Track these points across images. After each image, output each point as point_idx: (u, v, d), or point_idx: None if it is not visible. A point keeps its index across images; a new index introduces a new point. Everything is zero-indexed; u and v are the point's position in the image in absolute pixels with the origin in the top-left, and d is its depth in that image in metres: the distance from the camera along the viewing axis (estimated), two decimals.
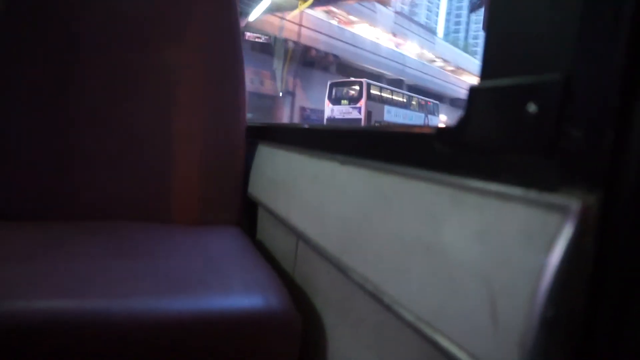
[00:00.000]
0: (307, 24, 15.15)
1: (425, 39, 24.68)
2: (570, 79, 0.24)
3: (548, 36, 0.26)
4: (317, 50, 15.96)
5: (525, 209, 0.25)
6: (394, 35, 21.38)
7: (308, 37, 15.23)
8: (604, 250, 0.22)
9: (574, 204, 0.23)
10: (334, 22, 17.29)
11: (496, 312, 0.25)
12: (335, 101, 12.91)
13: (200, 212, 0.87)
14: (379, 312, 0.41)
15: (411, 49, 22.69)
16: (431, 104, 17.01)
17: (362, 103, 12.40)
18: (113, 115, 0.85)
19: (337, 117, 12.69)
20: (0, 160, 0.79)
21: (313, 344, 0.56)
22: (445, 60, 26.58)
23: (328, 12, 17.04)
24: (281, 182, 0.72)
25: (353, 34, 18.14)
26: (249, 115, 1.10)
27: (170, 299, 0.48)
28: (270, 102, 14.54)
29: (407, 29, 22.95)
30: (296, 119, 15.09)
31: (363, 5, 17.80)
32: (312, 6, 13.98)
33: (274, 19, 13.78)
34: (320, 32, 16.00)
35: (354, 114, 12.36)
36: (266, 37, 13.61)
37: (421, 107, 16.12)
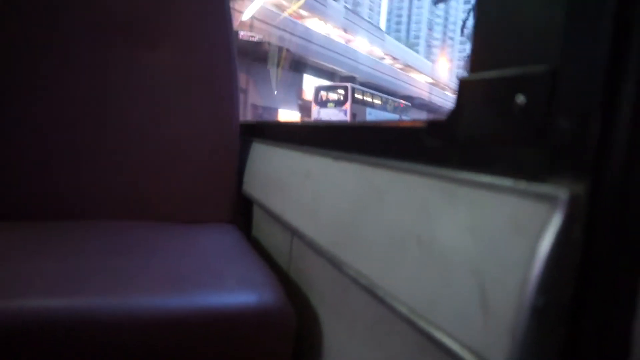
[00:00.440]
0: (257, 15, 14.09)
1: (376, 36, 24.47)
2: (557, 71, 0.25)
3: (535, 29, 0.27)
4: (270, 45, 14.94)
5: (514, 200, 0.26)
6: (345, 31, 20.92)
7: (259, 29, 14.18)
8: (591, 238, 0.23)
9: (562, 193, 0.23)
10: (285, 14, 16.33)
11: (487, 302, 0.25)
12: (322, 104, 13.95)
13: (194, 210, 0.87)
14: (373, 306, 0.41)
15: (361, 45, 22.35)
16: (403, 105, 18.81)
17: (347, 106, 13.52)
18: (106, 114, 0.84)
19: (323, 119, 13.39)
20: None
21: (308, 340, 0.57)
22: (394, 58, 26.60)
23: (278, 6, 16.08)
24: (275, 178, 0.73)
25: (307, 29, 17.32)
26: None
27: (164, 296, 0.48)
28: None
29: (358, 25, 22.59)
30: (249, 119, 14.01)
31: None
32: None
33: None
34: (272, 25, 14.97)
35: (340, 116, 13.32)
36: (260, 37, 13.87)
37: (395, 109, 17.76)
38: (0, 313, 0.41)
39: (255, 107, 14.85)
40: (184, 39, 0.87)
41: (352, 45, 21.42)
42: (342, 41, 20.52)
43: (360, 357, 0.45)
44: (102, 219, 0.79)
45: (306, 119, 16.70)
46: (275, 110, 14.84)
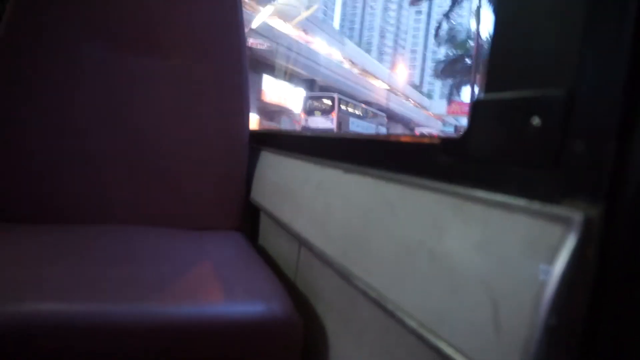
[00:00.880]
0: None
1: (336, 40, 23.83)
2: (573, 93, 0.24)
3: (552, 51, 0.27)
4: None
5: (528, 220, 0.25)
6: (305, 32, 20.07)
7: None
8: (606, 261, 0.23)
9: (577, 215, 0.23)
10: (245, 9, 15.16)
11: (499, 320, 0.25)
12: (310, 112, 14.66)
13: (202, 217, 0.86)
14: (382, 319, 0.41)
15: (321, 47, 21.61)
16: (380, 116, 19.99)
17: (334, 115, 14.22)
18: (116, 119, 0.84)
19: (311, 126, 13.90)
20: (4, 163, 0.78)
21: (315, 351, 0.56)
22: (352, 63, 26.11)
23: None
24: (284, 188, 0.72)
25: (270, 27, 16.24)
26: None
27: (174, 304, 0.48)
28: None
29: (319, 27, 21.83)
30: None
31: None
32: None
33: None
34: None
35: (327, 124, 13.98)
36: (269, 45, 14.00)
37: (373, 118, 18.56)
38: (13, 316, 0.41)
39: None
40: (196, 49, 0.88)
41: (312, 47, 20.61)
42: (303, 42, 19.66)
43: None
44: (110, 224, 0.78)
45: (267, 123, 15.66)
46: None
